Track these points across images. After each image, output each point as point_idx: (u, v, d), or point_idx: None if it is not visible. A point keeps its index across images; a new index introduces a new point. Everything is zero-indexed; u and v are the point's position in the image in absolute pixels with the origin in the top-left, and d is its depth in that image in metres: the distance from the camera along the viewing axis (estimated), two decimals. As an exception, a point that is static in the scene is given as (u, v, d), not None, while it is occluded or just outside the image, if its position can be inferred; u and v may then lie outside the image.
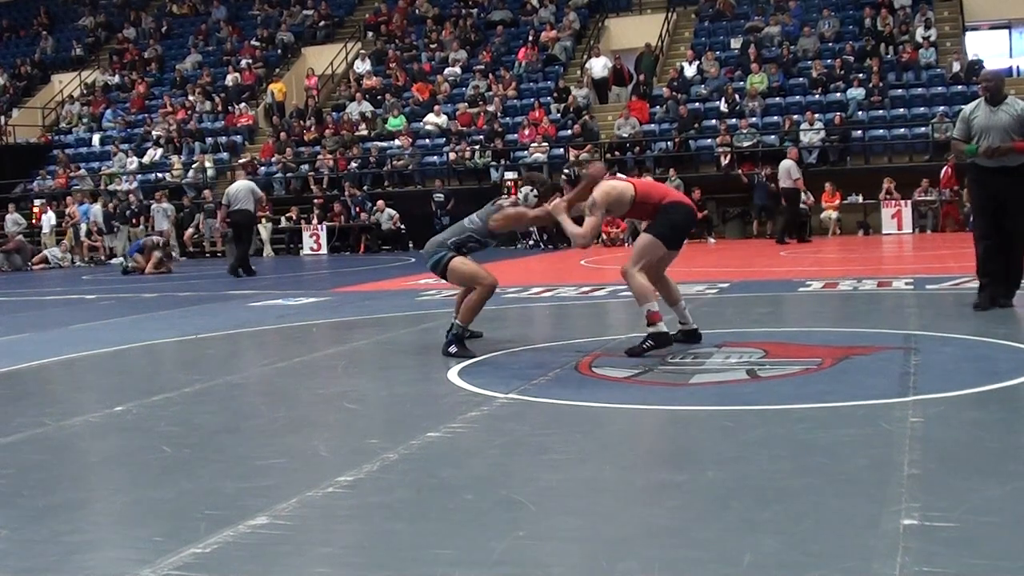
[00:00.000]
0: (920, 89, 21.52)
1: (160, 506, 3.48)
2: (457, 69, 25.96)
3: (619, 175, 7.05)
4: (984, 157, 7.70)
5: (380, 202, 22.01)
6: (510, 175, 21.50)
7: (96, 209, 23.03)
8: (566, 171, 6.61)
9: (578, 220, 6.46)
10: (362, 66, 27.02)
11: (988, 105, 7.78)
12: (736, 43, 24.46)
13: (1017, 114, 7.65)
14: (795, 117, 21.29)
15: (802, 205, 19.71)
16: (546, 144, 22.32)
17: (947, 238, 17.72)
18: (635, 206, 6.33)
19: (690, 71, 23.78)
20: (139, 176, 25.50)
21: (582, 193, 6.36)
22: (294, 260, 21.19)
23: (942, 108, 20.58)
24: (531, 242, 20.37)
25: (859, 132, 20.88)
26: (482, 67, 25.53)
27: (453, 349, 6.44)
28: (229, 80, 27.96)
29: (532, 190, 6.61)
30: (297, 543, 3.01)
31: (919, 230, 19.34)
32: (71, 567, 2.92)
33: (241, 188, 15.80)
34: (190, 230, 23.15)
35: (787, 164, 18.21)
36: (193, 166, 25.19)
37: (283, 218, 23.15)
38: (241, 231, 16.01)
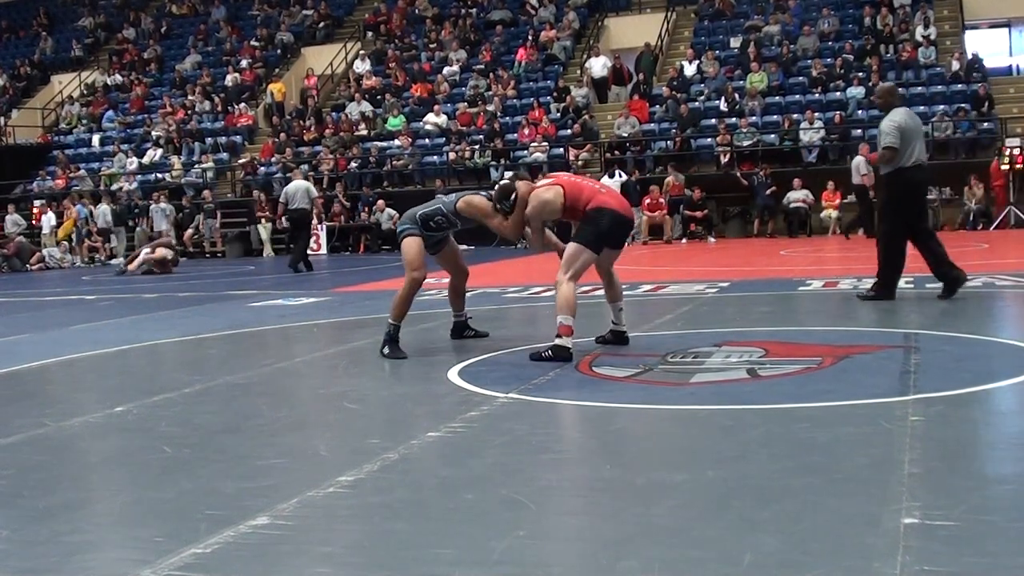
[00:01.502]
0: (920, 88, 21.52)
1: (160, 506, 3.48)
2: (456, 69, 25.96)
3: (549, 175, 7.04)
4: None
5: (380, 202, 21.99)
6: (510, 175, 21.49)
7: (104, 209, 23.05)
8: (499, 206, 6.47)
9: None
10: (362, 66, 27.00)
11: None
12: (736, 42, 24.44)
13: (879, 127, 8.41)
14: (795, 116, 21.29)
15: (799, 204, 19.71)
16: (546, 144, 22.32)
17: (947, 237, 17.68)
18: (567, 210, 6.32)
19: (690, 70, 23.77)
20: (139, 176, 25.49)
21: (520, 213, 6.40)
22: (294, 260, 21.16)
23: (942, 107, 20.58)
24: (531, 242, 20.36)
25: (859, 131, 20.86)
26: (482, 67, 25.52)
27: (386, 350, 6.48)
28: (229, 80, 27.95)
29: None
30: (298, 543, 3.01)
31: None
32: (72, 567, 2.92)
33: (299, 188, 16.55)
34: (190, 230, 23.16)
35: (858, 160, 18.11)
36: (195, 167, 25.19)
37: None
38: (298, 229, 16.86)
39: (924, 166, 8.51)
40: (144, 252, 17.99)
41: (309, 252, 21.86)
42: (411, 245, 6.64)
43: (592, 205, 6.23)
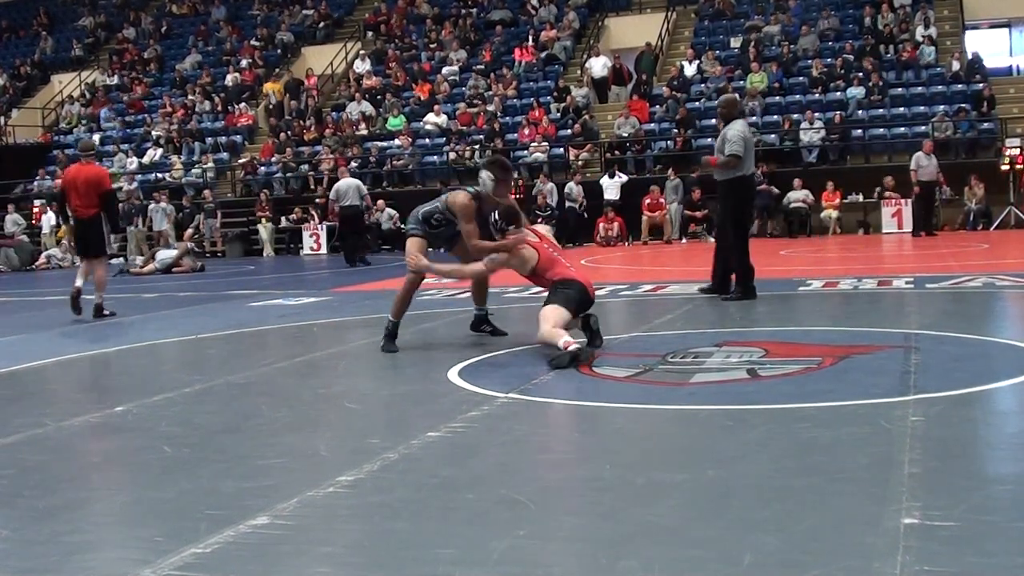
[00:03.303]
0: (920, 88, 21.51)
1: (160, 506, 3.48)
2: (456, 69, 25.96)
3: (537, 228, 7.17)
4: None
5: (380, 202, 21.98)
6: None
7: None
8: (499, 224, 6.57)
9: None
10: (362, 66, 27.00)
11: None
12: (736, 42, 24.44)
13: (721, 136, 9.04)
14: (795, 116, 21.28)
15: (800, 204, 19.70)
16: (546, 144, 22.31)
17: (948, 237, 17.71)
18: (534, 273, 6.54)
19: (690, 70, 23.75)
20: (139, 176, 25.49)
21: (502, 248, 6.53)
22: (294, 260, 21.20)
23: (942, 107, 20.57)
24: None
25: (859, 131, 20.87)
26: (482, 67, 25.52)
27: (383, 345, 6.76)
28: (229, 80, 27.94)
29: (490, 175, 6.67)
30: (298, 543, 3.01)
31: (919, 229, 19.32)
32: (72, 567, 2.92)
33: (349, 185, 17.45)
34: (190, 230, 23.16)
35: (915, 156, 18.15)
36: (196, 166, 25.18)
37: (283, 218, 23.17)
38: (349, 225, 17.68)
39: (756, 174, 9.35)
40: (161, 259, 18.15)
41: (310, 251, 22.06)
42: (410, 246, 6.82)
43: (559, 276, 6.46)
